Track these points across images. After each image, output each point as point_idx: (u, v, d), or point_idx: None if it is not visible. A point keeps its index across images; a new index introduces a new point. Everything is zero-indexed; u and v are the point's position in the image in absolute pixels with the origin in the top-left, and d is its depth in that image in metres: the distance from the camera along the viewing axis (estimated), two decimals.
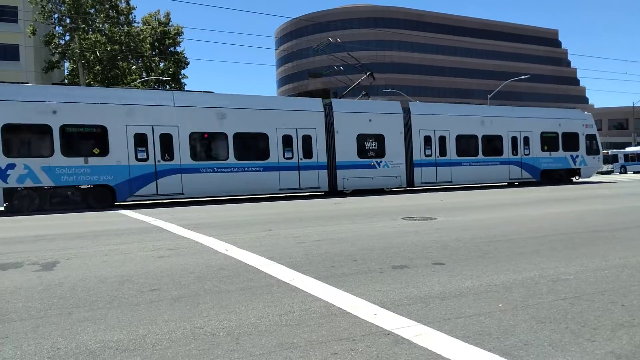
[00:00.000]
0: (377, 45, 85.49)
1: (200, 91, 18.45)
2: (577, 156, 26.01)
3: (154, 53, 42.47)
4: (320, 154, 19.67)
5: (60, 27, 37.70)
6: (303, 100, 21.32)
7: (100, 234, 9.15)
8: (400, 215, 10.87)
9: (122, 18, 38.79)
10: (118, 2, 38.03)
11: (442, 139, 22.43)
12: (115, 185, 16.40)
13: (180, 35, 44.95)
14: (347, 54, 28.15)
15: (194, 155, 17.51)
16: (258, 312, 3.86)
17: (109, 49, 35.89)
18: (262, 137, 18.72)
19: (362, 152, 20.60)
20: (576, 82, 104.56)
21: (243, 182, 18.30)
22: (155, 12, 44.41)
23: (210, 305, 4.09)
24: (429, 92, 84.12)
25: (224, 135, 18.02)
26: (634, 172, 47.83)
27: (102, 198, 16.45)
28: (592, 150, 26.43)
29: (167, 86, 45.68)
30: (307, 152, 19.38)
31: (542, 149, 25.07)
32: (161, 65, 44.01)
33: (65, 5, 34.87)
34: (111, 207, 16.59)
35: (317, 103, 20.22)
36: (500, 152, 24.08)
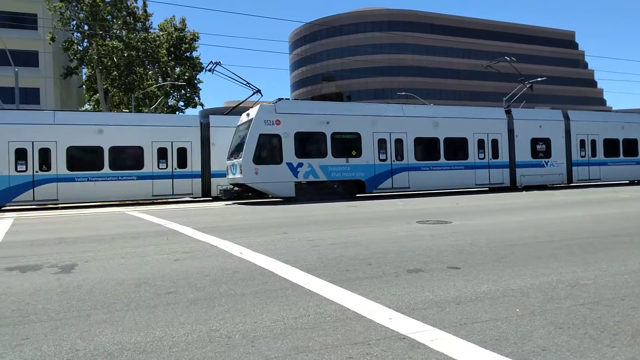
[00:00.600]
0: (391, 48, 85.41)
1: (422, 104, 23.15)
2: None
3: (169, 58, 42.99)
4: (504, 155, 23.86)
5: (79, 34, 38.39)
6: (486, 110, 24.95)
7: (117, 237, 9.27)
8: (415, 219, 10.81)
9: (139, 24, 39.35)
10: (135, 9, 38.62)
11: (593, 142, 26.06)
12: (365, 180, 20.40)
13: (196, 41, 45.44)
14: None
15: (417, 157, 21.70)
16: (273, 316, 3.87)
17: (125, 54, 36.41)
18: (463, 141, 22.92)
19: (534, 153, 24.53)
20: (594, 84, 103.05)
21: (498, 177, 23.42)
22: (171, 18, 45.02)
23: (225, 308, 4.12)
24: (444, 94, 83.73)
25: (436, 140, 22.31)
26: None
27: (354, 190, 20.54)
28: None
29: (183, 91, 46.20)
30: (495, 154, 23.57)
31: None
32: (177, 70, 44.51)
33: (84, 12, 35.50)
34: (355, 199, 20.05)
35: (500, 112, 24.38)
36: (636, 153, 27.18)
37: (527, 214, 11.61)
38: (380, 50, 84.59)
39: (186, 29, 45.10)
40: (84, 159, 20.49)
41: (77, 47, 38.14)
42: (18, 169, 19.63)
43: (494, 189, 24.42)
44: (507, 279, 4.84)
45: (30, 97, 39.19)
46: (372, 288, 4.63)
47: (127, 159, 21.13)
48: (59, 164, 19.98)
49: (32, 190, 19.69)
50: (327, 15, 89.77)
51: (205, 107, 52.96)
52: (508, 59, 29.23)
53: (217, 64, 22.48)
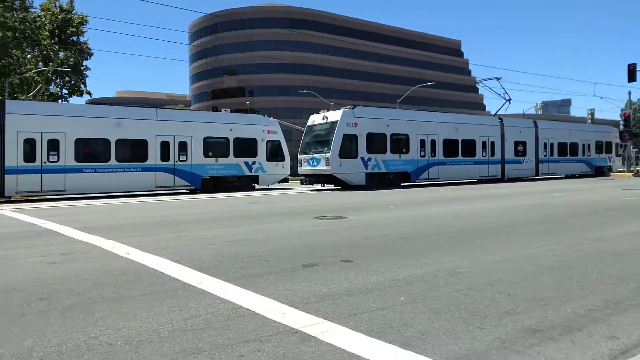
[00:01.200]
0: (292, 46, 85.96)
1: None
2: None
3: (52, 42, 39.00)
4: (497, 153, 29.41)
5: None
6: (486, 118, 32.73)
7: None
8: (312, 214, 11.01)
9: (17, 2, 35.15)
10: None
11: (552, 145, 32.82)
12: (411, 172, 25.31)
13: (84, 24, 41.72)
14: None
15: (444, 154, 26.71)
16: (161, 318, 3.68)
17: (1, 35, 32.32)
18: (473, 143, 28.33)
19: (516, 152, 30.31)
20: (475, 90, 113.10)
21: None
22: None
23: (107, 313, 3.83)
24: (343, 94, 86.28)
25: (457, 141, 27.58)
26: None
27: (402, 180, 25.18)
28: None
29: (67, 77, 42.21)
30: (492, 153, 29.18)
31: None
32: (61, 54, 40.55)
33: None
34: (400, 187, 24.22)
35: (495, 120, 30.48)
36: (576, 153, 34.84)
37: (445, 206, 12.45)
38: (282, 46, 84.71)
39: (73, 11, 41.25)
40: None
41: None
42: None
43: (489, 180, 29.49)
44: (395, 270, 5.11)
45: None
46: (267, 284, 4.61)
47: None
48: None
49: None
50: (229, 7, 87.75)
51: (93, 97, 48.99)
52: (498, 77, 37.07)
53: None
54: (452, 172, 27.32)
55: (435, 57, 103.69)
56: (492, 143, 29.28)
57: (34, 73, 35.99)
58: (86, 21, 41.87)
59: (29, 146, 18.64)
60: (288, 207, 14.02)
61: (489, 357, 2.85)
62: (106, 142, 20.24)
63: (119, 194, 21.38)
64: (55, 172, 19.11)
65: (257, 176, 24.57)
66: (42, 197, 19.89)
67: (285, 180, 26.85)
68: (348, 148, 22.67)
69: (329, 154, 22.06)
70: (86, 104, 38.90)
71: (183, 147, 22.16)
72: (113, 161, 20.33)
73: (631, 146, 44.78)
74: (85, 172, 19.74)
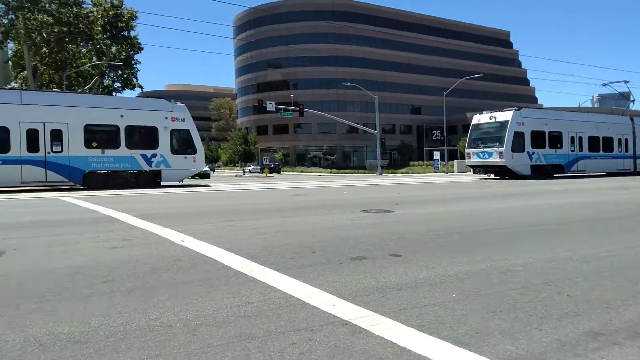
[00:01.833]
0: (335, 38, 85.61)
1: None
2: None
3: (105, 36, 40.69)
4: (630, 149, 33.57)
5: (3, 4, 35.45)
6: (619, 117, 36.00)
7: (49, 224, 8.74)
8: (359, 208, 11.01)
9: None
10: None
11: None
12: (564, 164, 29.56)
13: (134, 20, 43.29)
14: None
15: (589, 149, 30.88)
16: (216, 304, 3.82)
17: (56, 30, 34.02)
18: (610, 139, 32.27)
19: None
20: (526, 82, 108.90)
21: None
22: None
23: (166, 296, 4.01)
24: (387, 87, 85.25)
25: (598, 138, 31.78)
26: None
27: (555, 172, 29.42)
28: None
29: (119, 71, 43.98)
30: (626, 149, 33.14)
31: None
32: (113, 49, 42.27)
33: None
34: (553, 178, 28.04)
35: (627, 119, 34.53)
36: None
37: (522, 200, 12.21)
38: (324, 39, 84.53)
39: (123, 7, 42.86)
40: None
41: (2, 20, 35.25)
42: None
43: (622, 173, 32.64)
44: (445, 266, 5.05)
45: None
46: (316, 275, 4.67)
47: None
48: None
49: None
50: (270, 0, 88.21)
51: (144, 90, 50.81)
52: (627, 81, 42.05)
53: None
54: (595, 166, 31.16)
55: (482, 49, 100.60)
56: (626, 140, 33.21)
57: (89, 67, 37.67)
58: (136, 16, 43.38)
59: None
60: (335, 200, 14.08)
61: (548, 359, 2.78)
62: None
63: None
64: None
65: (160, 171, 21.01)
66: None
67: (205, 176, 23.82)
68: (517, 143, 26.99)
69: (503, 148, 26.55)
70: (137, 97, 40.31)
71: (57, 136, 19.02)
72: None
73: None
74: None
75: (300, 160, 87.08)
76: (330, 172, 61.13)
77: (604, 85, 41.00)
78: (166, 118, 21.00)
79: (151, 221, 8.58)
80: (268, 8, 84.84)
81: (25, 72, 38.00)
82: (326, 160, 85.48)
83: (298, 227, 8.00)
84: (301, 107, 44.88)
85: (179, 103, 21.97)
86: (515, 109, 27.87)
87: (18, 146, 18.25)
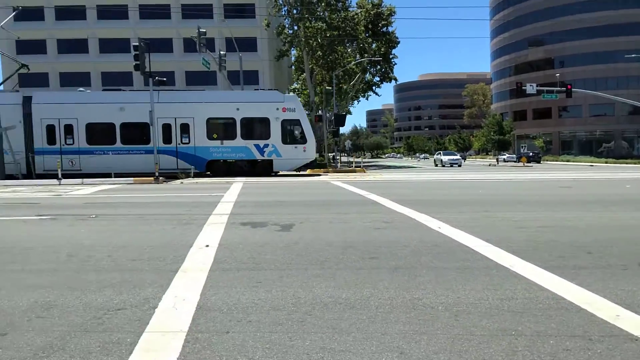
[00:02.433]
0: (612, 3, 71.65)
1: None
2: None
3: (367, 35, 44.16)
4: None
5: (289, 19, 42.29)
6: None
7: (325, 203, 10.18)
8: None
9: (339, 4, 41.25)
10: None
11: None
12: None
13: (392, 15, 45.66)
14: None
15: None
16: (477, 293, 3.79)
17: (328, 35, 38.78)
18: None
19: None
20: None
21: None
22: None
23: (427, 279, 4.19)
24: None
25: None
26: None
27: None
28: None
29: (378, 66, 47.17)
30: None
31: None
32: (373, 46, 45.54)
33: None
34: None
35: None
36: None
37: None
38: (597, 6, 71.77)
39: (382, 5, 45.60)
40: None
41: (288, 31, 42.18)
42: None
43: None
44: None
45: (251, 79, 45.08)
46: (593, 279, 4.13)
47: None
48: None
49: None
50: None
51: (398, 82, 53.22)
52: None
53: None
54: None
55: None
56: None
57: (354, 64, 41.59)
58: (394, 12, 45.54)
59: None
60: (613, 195, 12.06)
61: None
62: (110, 127, 21.10)
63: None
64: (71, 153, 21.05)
65: (271, 160, 21.58)
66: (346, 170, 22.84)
67: (312, 165, 22.47)
68: None
69: None
70: (394, 88, 42.42)
71: (185, 129, 21.25)
72: (118, 144, 21.17)
73: None
74: (95, 154, 21.01)
75: (566, 148, 76.89)
76: (606, 162, 52.02)
77: None
78: (277, 109, 21.44)
79: (407, 206, 9.04)
80: None
81: (304, 74, 44.66)
82: (601, 147, 73.19)
83: (567, 223, 7.17)
84: (569, 87, 39.48)
85: (290, 94, 22.49)
86: None
87: (154, 138, 20.86)
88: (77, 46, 45.25)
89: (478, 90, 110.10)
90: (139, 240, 6.06)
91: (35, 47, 44.09)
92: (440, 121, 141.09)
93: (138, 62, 19.19)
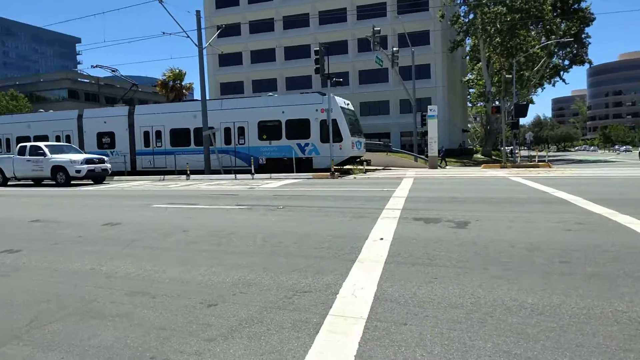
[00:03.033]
0: None
1: None
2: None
3: (554, 14, 39.57)
4: None
5: (465, 6, 40.41)
6: None
7: (503, 200, 9.54)
8: None
9: None
10: None
11: None
12: None
13: None
14: None
15: None
16: None
17: (509, 18, 35.89)
18: None
19: None
20: None
21: None
22: None
23: (633, 290, 3.63)
24: None
25: None
26: None
27: None
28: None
29: (568, 48, 41.89)
30: None
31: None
32: (562, 26, 40.64)
33: None
34: None
35: None
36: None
37: None
38: None
39: None
40: None
41: (463, 20, 40.34)
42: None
43: None
44: None
45: (423, 72, 44.44)
46: None
47: None
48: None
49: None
50: None
51: (593, 65, 46.47)
52: None
53: None
54: None
55: None
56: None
57: (538, 49, 37.73)
58: None
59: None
60: None
61: None
62: (187, 131, 24.79)
63: None
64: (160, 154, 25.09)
65: (311, 158, 22.71)
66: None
67: (351, 161, 22.54)
68: None
69: None
70: (588, 72, 37.43)
71: (242, 131, 23.77)
72: (192, 145, 24.52)
73: None
74: (176, 154, 24.47)
75: None
76: None
77: None
78: (316, 110, 22.38)
79: (605, 206, 7.89)
80: None
81: (479, 64, 42.23)
82: None
83: None
84: None
85: (326, 95, 22.17)
86: None
87: (220, 140, 23.96)
88: (266, 55, 50.58)
89: None
90: (319, 230, 6.55)
91: (233, 59, 50.71)
92: None
93: (318, 66, 20.62)
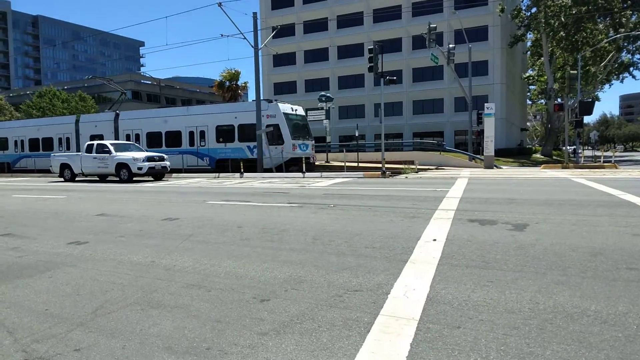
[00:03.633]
0: None
1: None
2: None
3: (624, 6, 37.08)
4: None
5: (527, 0, 38.73)
6: None
7: (564, 202, 9.09)
8: None
9: None
10: None
11: None
12: None
13: None
14: None
15: None
16: None
17: (574, 11, 34.01)
18: None
19: None
20: None
21: None
22: None
23: None
24: None
25: None
26: None
27: None
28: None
29: (639, 42, 39.13)
30: None
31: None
32: (633, 18, 38.01)
33: None
34: None
35: None
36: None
37: None
38: None
39: None
40: None
41: (525, 14, 38.67)
42: None
43: None
44: None
45: (480, 69, 43.03)
46: None
47: None
48: None
49: None
50: None
51: None
52: None
53: None
54: None
55: None
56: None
57: (605, 43, 35.56)
58: None
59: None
60: None
61: None
62: (159, 134, 27.54)
63: None
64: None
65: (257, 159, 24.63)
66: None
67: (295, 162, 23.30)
68: None
69: None
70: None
71: (202, 135, 26.15)
72: (164, 147, 26.78)
73: None
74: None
75: None
76: None
77: None
78: (263, 116, 24.08)
79: None
80: None
81: (541, 59, 40.34)
82: None
83: None
84: None
85: (273, 102, 24.53)
86: None
87: (185, 142, 26.54)
88: (319, 55, 50.88)
89: None
90: (370, 230, 6.52)
91: (287, 59, 51.42)
92: None
93: (372, 64, 20.49)
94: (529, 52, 47.13)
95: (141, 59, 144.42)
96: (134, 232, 6.96)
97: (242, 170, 22.53)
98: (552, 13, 34.40)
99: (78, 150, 28.07)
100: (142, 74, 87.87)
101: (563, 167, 24.45)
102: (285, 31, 45.67)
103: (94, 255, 5.47)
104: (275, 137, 24.04)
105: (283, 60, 51.14)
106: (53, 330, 3.23)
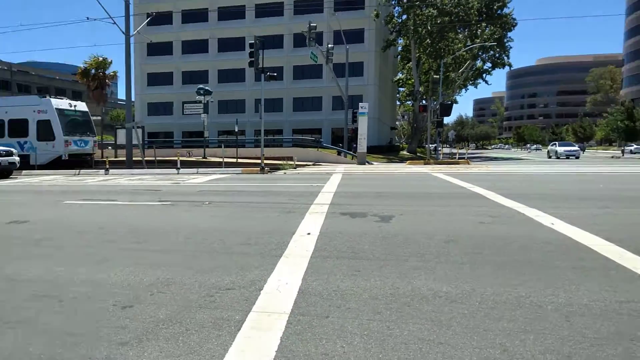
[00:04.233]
0: None
1: None
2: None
3: (480, 19, 41.77)
4: None
5: (399, 7, 41.52)
6: None
7: (425, 195, 9.96)
8: None
9: None
10: None
11: None
12: None
13: None
14: None
15: None
16: (592, 295, 3.49)
17: (439, 21, 37.37)
18: None
19: None
20: None
21: None
22: None
23: (536, 277, 3.93)
24: None
25: None
26: None
27: None
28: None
29: (491, 51, 44.43)
30: None
31: None
32: (486, 30, 43.03)
33: None
34: None
35: None
36: None
37: None
38: None
39: None
40: None
41: (397, 20, 41.47)
42: None
43: None
44: None
45: (356, 70, 45.22)
46: None
47: None
48: None
49: None
50: None
51: (513, 68, 49.62)
52: None
53: None
54: None
55: None
56: None
57: (464, 51, 39.68)
58: None
59: None
60: None
61: None
62: (3, 122, 24.88)
63: None
64: None
65: (29, 155, 23.95)
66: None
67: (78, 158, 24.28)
68: None
69: None
70: (507, 74, 40.08)
71: None
72: (7, 138, 24.40)
73: None
74: None
75: None
76: None
77: None
78: (34, 111, 24.12)
79: (516, 200, 8.48)
80: None
81: (410, 63, 43.67)
82: None
83: None
84: None
85: (45, 98, 24.55)
86: None
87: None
88: (198, 46, 49.04)
89: (605, 74, 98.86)
90: (246, 226, 6.47)
91: (163, 49, 48.68)
92: (557, 109, 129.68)
93: (252, 59, 20.30)
94: (399, 57, 50.68)
95: None
96: None
97: (107, 165, 20.84)
98: (420, 21, 37.40)
99: None
100: None
101: (425, 163, 26.79)
102: (161, 19, 43.25)
103: None
104: (47, 132, 23.78)
105: (159, 49, 48.35)
106: None
